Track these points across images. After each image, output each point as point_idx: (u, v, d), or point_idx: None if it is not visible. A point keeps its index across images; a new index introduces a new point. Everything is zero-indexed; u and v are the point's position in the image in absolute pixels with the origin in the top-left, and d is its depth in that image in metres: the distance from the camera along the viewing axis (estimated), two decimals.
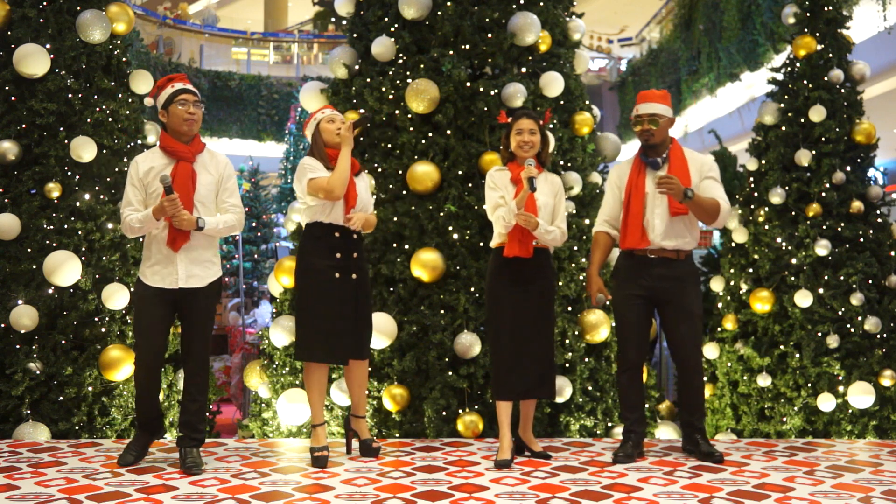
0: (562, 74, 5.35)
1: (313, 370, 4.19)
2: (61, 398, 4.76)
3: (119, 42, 5.33)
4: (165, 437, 5.01)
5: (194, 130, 3.99)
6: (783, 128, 5.82)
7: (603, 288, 4.29)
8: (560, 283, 5.02)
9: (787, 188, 5.69)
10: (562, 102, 5.47)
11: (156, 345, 3.96)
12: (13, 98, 5.02)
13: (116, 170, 5.13)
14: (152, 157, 4.00)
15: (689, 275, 4.26)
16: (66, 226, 4.91)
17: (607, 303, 5.03)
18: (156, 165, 3.95)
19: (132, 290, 4.10)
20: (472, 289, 4.94)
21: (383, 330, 4.69)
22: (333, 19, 23.01)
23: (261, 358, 5.47)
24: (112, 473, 3.82)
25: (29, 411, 4.72)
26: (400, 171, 5.11)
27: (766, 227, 5.70)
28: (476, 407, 4.84)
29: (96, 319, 4.90)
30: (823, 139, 5.70)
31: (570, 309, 5.12)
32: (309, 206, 4.17)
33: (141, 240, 4.27)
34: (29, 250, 4.86)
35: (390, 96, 5.19)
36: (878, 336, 5.46)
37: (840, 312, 5.46)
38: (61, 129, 5.01)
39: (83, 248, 4.91)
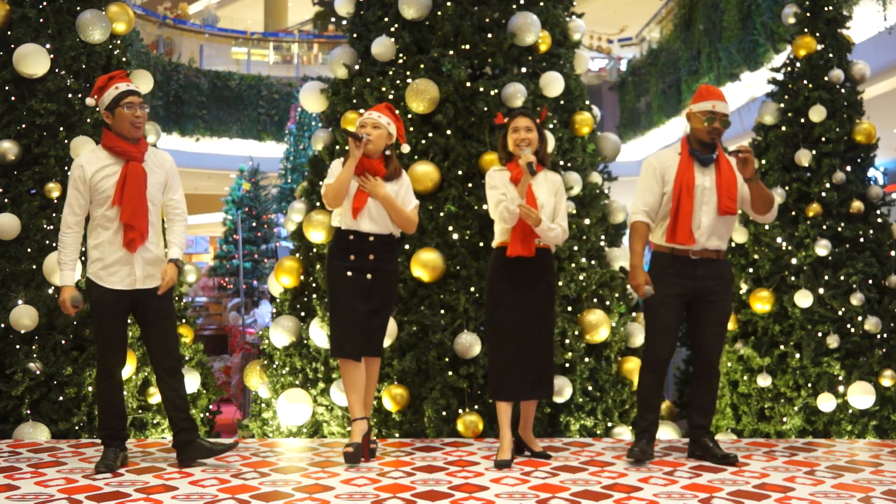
0: (562, 74, 5.35)
1: (342, 366, 4.21)
2: (61, 398, 4.76)
3: (119, 42, 5.33)
4: (166, 436, 5.01)
5: (140, 133, 3.98)
6: (783, 128, 5.81)
7: (649, 279, 4.12)
8: (560, 283, 5.02)
9: (787, 188, 5.69)
10: (562, 102, 5.47)
11: (121, 351, 4.01)
12: (13, 98, 5.02)
13: None
14: (97, 158, 3.95)
15: (729, 274, 4.27)
16: None
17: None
18: (106, 165, 3.91)
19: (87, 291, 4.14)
20: (472, 289, 4.93)
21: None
22: (333, 19, 23.00)
23: (261, 358, 5.47)
24: (112, 473, 3.82)
25: (29, 411, 4.72)
26: None
27: (766, 227, 5.70)
28: (476, 407, 4.84)
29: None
30: (823, 139, 5.70)
31: (570, 309, 5.12)
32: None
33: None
34: (29, 250, 4.86)
35: (390, 96, 5.19)
36: (878, 336, 5.45)
37: (840, 312, 5.45)
38: (61, 129, 5.01)
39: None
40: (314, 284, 5.21)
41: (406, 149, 4.38)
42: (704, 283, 4.15)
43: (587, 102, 5.70)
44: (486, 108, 5.10)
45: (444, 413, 4.80)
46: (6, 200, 4.92)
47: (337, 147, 5.35)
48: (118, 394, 4.03)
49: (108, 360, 3.98)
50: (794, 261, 5.57)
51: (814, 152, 5.68)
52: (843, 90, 5.79)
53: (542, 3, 5.47)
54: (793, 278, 5.55)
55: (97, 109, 3.95)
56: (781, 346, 5.50)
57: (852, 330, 5.44)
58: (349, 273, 4.15)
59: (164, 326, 4.01)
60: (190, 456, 3.99)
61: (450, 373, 4.82)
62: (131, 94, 3.94)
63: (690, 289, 4.15)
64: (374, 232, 4.17)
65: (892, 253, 5.60)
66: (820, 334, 5.43)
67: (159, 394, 4.21)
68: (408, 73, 5.23)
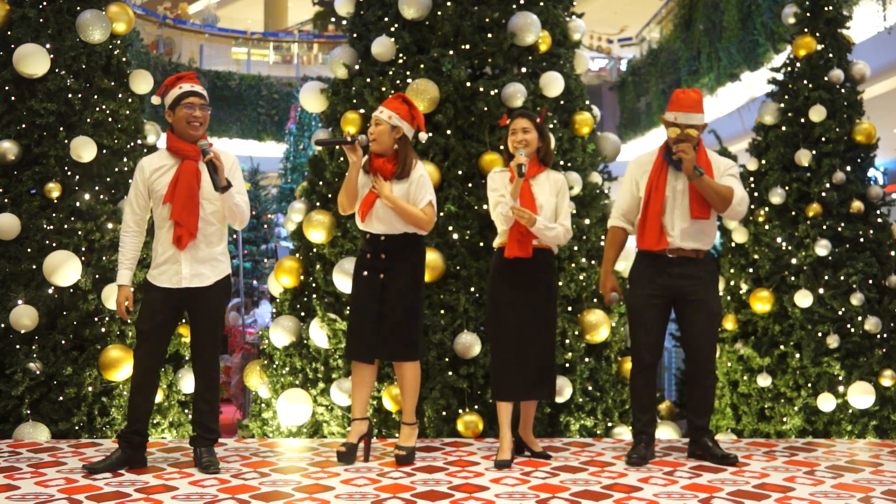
0: (562, 74, 5.35)
1: (353, 365, 4.24)
2: (61, 398, 4.76)
3: (119, 42, 5.33)
4: (166, 436, 5.01)
5: (199, 133, 3.94)
6: (783, 128, 5.81)
7: (617, 286, 4.22)
8: (560, 283, 5.01)
9: (787, 188, 5.69)
10: (562, 102, 5.47)
11: (156, 349, 3.96)
12: (13, 98, 5.02)
13: (116, 170, 5.14)
14: (159, 158, 3.99)
15: (708, 273, 4.25)
16: (66, 226, 4.91)
17: (620, 302, 5.00)
18: (163, 165, 3.94)
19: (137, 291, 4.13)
20: (472, 289, 4.93)
21: None
22: (333, 19, 23.00)
23: (261, 358, 5.47)
24: (112, 473, 3.82)
25: (29, 411, 4.72)
26: None
27: (766, 227, 5.70)
28: (476, 407, 4.84)
29: (96, 319, 4.90)
30: (823, 139, 5.70)
31: (570, 309, 5.12)
32: None
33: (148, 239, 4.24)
34: (29, 250, 4.86)
35: (390, 96, 5.19)
36: (878, 336, 5.45)
37: (840, 312, 5.45)
38: (61, 129, 5.01)
39: (83, 248, 4.92)
40: (314, 284, 5.21)
41: (423, 137, 4.31)
42: (682, 283, 4.16)
43: (587, 102, 5.70)
44: (486, 108, 5.10)
45: (444, 413, 4.80)
46: (6, 200, 4.92)
47: (337, 147, 5.35)
48: (142, 394, 3.96)
49: (140, 358, 3.95)
50: (794, 261, 5.57)
51: (814, 152, 5.68)
52: (843, 90, 5.79)
53: (542, 3, 5.47)
54: (793, 278, 5.55)
55: (163, 107, 3.94)
56: (781, 346, 5.50)
57: (852, 330, 5.44)
58: (365, 273, 4.17)
59: (205, 330, 3.97)
60: (199, 462, 3.97)
61: (450, 373, 4.82)
62: (193, 94, 3.93)
63: (667, 288, 4.16)
64: (384, 232, 4.13)
65: (892, 253, 5.60)
66: (820, 334, 5.43)
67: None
68: (408, 73, 5.23)
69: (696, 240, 4.17)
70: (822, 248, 5.49)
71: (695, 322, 4.19)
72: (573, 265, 5.13)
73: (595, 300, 5.22)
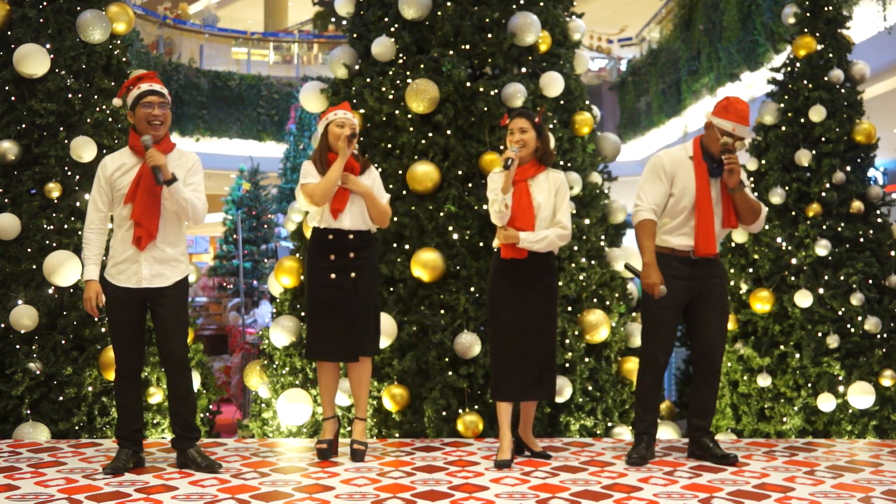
0: (562, 74, 5.35)
1: (319, 367, 4.31)
2: (61, 398, 4.76)
3: (119, 42, 5.34)
4: (165, 437, 5.01)
5: (161, 133, 3.94)
6: (783, 128, 5.81)
7: (663, 279, 4.05)
8: (560, 283, 5.01)
9: (787, 188, 5.69)
10: (562, 102, 5.47)
11: (133, 351, 3.95)
12: (13, 98, 5.03)
13: None
14: (121, 157, 3.98)
15: (721, 272, 4.27)
16: (66, 226, 4.92)
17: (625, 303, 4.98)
18: (124, 164, 3.93)
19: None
20: (472, 289, 4.93)
21: (383, 330, 4.69)
22: (333, 19, 22.99)
23: (261, 358, 5.47)
24: (112, 474, 3.82)
25: (29, 411, 4.72)
26: (400, 171, 5.11)
27: (766, 227, 5.70)
28: (476, 407, 4.84)
29: (96, 319, 4.90)
30: (823, 139, 5.70)
31: (570, 309, 5.12)
32: (308, 210, 4.30)
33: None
34: (29, 250, 4.86)
35: (390, 96, 5.19)
36: (878, 336, 5.46)
37: (840, 312, 5.46)
38: (61, 129, 5.02)
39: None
40: None
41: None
42: (703, 283, 4.16)
43: (587, 102, 5.70)
44: (486, 108, 5.10)
45: (444, 413, 4.80)
46: (6, 200, 4.93)
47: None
48: (132, 395, 3.98)
49: (121, 360, 3.95)
50: (794, 261, 5.57)
51: (814, 152, 5.68)
52: (843, 90, 5.79)
53: (542, 3, 5.47)
54: (793, 278, 5.56)
55: (122, 109, 3.94)
56: (781, 346, 5.51)
57: (852, 330, 5.44)
58: (332, 275, 4.19)
59: (169, 329, 3.95)
60: (183, 462, 3.97)
61: (450, 373, 4.82)
62: (151, 93, 3.92)
63: (690, 290, 4.15)
64: (354, 229, 4.22)
65: (892, 253, 5.60)
66: (820, 334, 5.43)
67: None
68: (408, 73, 5.23)
69: (717, 242, 4.20)
70: (822, 248, 5.49)
71: (710, 322, 4.19)
72: (573, 265, 5.13)
73: (595, 300, 5.22)
